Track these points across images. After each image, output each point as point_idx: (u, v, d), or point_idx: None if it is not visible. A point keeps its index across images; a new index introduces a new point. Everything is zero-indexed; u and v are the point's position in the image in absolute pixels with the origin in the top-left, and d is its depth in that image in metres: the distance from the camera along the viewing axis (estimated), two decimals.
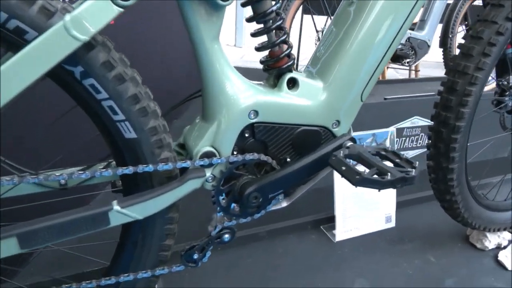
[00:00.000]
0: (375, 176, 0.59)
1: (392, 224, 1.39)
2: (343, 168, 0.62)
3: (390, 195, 1.37)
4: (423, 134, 1.71)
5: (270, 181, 0.71)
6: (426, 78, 3.09)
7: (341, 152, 0.66)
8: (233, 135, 0.70)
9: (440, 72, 3.48)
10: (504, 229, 1.26)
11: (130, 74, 0.62)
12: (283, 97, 0.72)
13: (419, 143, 1.71)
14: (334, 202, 1.30)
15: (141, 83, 0.64)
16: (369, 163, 0.63)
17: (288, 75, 0.72)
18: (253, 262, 1.21)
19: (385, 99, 2.07)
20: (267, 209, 0.78)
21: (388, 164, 0.65)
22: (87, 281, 0.70)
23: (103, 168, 0.75)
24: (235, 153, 0.72)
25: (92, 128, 0.66)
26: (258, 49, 0.72)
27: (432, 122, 1.01)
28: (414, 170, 0.61)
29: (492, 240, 1.28)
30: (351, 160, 0.65)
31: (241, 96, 0.69)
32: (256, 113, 0.70)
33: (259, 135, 0.72)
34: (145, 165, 0.64)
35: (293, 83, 0.74)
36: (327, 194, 1.50)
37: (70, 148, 0.80)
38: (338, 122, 0.77)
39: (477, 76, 0.90)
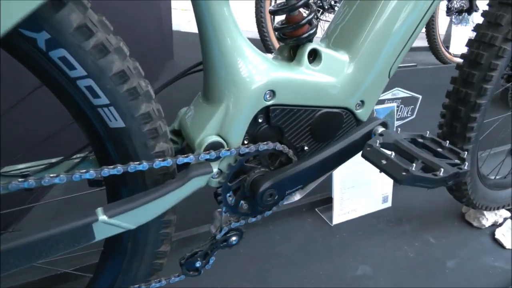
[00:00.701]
0: (426, 173, 0.49)
1: (389, 204, 1.33)
2: (384, 161, 0.51)
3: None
4: (403, 105, 1.68)
5: (289, 175, 0.59)
6: None
7: (377, 141, 0.55)
8: (245, 121, 0.57)
9: (420, 43, 3.43)
10: (503, 207, 1.23)
11: (115, 44, 0.46)
12: (304, 73, 0.59)
13: (399, 115, 1.68)
14: (332, 185, 1.21)
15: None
16: (411, 154, 0.53)
17: (309, 46, 0.59)
18: (249, 251, 1.12)
19: None
20: (279, 205, 0.66)
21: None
22: None
23: (79, 161, 0.60)
24: (245, 142, 0.59)
25: (64, 114, 0.51)
26: (274, 12, 0.58)
27: (446, 100, 0.92)
28: (465, 163, 0.51)
29: (489, 218, 1.26)
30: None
31: (256, 73, 0.55)
32: (273, 93, 0.57)
33: (275, 120, 0.59)
34: (138, 163, 0.50)
35: (314, 56, 0.61)
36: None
37: (34, 140, 0.64)
38: (362, 102, 0.65)
39: (505, 48, 0.81)
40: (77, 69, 0.44)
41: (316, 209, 1.30)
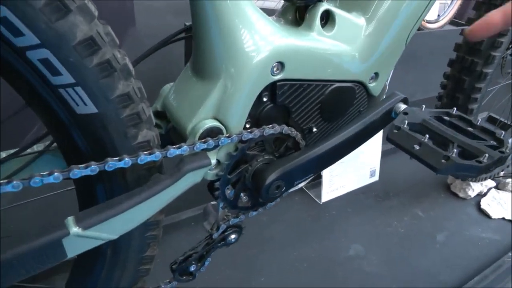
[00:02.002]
0: (466, 159, 0.41)
1: (376, 178, 1.29)
2: (417, 147, 0.43)
3: (376, 147, 1.25)
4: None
5: (300, 164, 0.50)
6: None
7: (405, 121, 0.46)
8: (248, 101, 0.46)
9: None
10: (490, 177, 1.22)
11: (78, 0, 0.34)
12: (316, 40, 0.49)
13: None
14: None
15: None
16: (444, 137, 0.45)
17: (322, 7, 0.48)
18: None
19: None
20: (283, 195, 0.58)
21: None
22: None
23: (38, 155, 0.48)
24: (248, 126, 0.49)
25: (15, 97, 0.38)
26: None
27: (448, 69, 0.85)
28: (507, 145, 0.44)
29: (475, 189, 1.25)
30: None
31: (261, 40, 0.44)
32: (282, 66, 0.46)
33: (282, 98, 0.49)
34: (117, 159, 0.39)
35: (326, 20, 0.50)
36: None
37: None
38: (376, 75, 0.57)
39: None
40: (25, 35, 0.32)
41: (303, 187, 1.24)
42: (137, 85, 0.41)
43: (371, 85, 0.57)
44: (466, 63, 0.80)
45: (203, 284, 0.89)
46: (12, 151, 0.47)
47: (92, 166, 0.37)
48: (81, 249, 0.39)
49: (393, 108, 0.53)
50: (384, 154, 1.38)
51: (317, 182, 1.20)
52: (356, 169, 1.22)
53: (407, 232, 1.11)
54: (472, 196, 1.25)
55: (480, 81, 0.80)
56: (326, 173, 1.14)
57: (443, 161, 0.41)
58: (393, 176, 1.33)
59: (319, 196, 1.17)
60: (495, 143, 0.45)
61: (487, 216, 1.19)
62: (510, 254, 1.03)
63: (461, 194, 1.26)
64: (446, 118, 0.51)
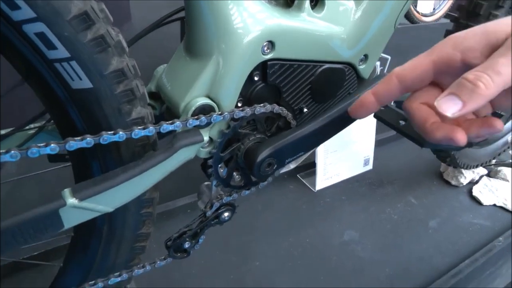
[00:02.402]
0: None
1: (370, 166, 1.31)
2: (402, 122, 0.45)
3: (369, 135, 1.27)
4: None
5: (291, 142, 0.51)
6: None
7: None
8: (240, 79, 0.48)
9: None
10: (481, 165, 1.24)
11: None
12: (306, 21, 0.50)
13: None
14: (316, 149, 1.15)
15: None
16: None
17: None
18: (231, 223, 1.05)
19: None
20: (276, 175, 0.59)
21: None
22: None
23: (35, 132, 0.49)
24: (239, 105, 0.50)
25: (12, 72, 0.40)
26: None
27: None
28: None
29: (467, 176, 1.27)
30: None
31: (252, 19, 0.45)
32: (272, 45, 0.48)
33: (273, 78, 0.50)
34: (112, 132, 0.40)
35: (316, 1, 0.51)
36: None
37: None
38: (366, 57, 0.58)
39: None
40: (21, 8, 0.33)
41: (298, 175, 1.25)
42: (131, 63, 0.42)
43: (361, 67, 0.58)
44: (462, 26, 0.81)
45: (199, 268, 0.91)
46: (9, 129, 0.48)
47: (88, 138, 0.38)
48: (77, 220, 0.41)
49: None
50: (378, 144, 1.40)
51: (311, 171, 1.22)
52: (350, 158, 1.24)
53: (401, 219, 1.12)
54: (464, 183, 1.27)
55: None
56: (320, 162, 1.16)
57: None
58: (387, 165, 1.35)
59: (314, 185, 1.19)
60: None
61: (479, 203, 1.21)
62: (500, 238, 1.05)
63: (453, 182, 1.28)
64: None
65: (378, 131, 1.45)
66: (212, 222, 0.56)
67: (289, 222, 1.07)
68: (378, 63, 0.62)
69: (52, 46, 0.35)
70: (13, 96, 0.45)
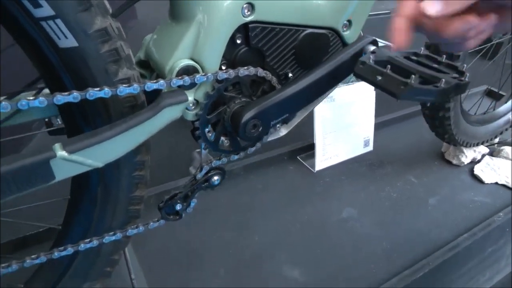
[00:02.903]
0: (426, 85, 0.44)
1: (370, 148, 1.32)
2: (379, 77, 0.46)
3: (369, 116, 1.27)
4: None
5: (274, 103, 0.53)
6: None
7: (370, 57, 0.49)
8: (222, 41, 0.50)
9: None
10: (482, 143, 1.24)
11: None
12: None
13: None
14: (314, 129, 1.17)
15: None
16: (407, 70, 0.48)
17: None
18: (230, 202, 1.08)
19: None
20: (264, 140, 0.61)
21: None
22: (32, 256, 0.50)
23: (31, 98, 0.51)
24: (223, 68, 0.52)
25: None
26: None
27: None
28: (466, 74, 0.47)
29: (468, 155, 1.26)
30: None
31: None
32: (252, 7, 0.50)
33: (255, 41, 0.52)
34: (98, 89, 0.43)
35: None
36: (298, 124, 1.37)
37: None
38: (349, 22, 0.59)
39: None
40: None
41: (298, 157, 1.27)
42: (115, 24, 0.44)
43: (345, 33, 0.60)
44: None
45: (198, 244, 0.94)
46: (3, 97, 0.51)
47: (74, 93, 0.41)
48: (68, 173, 0.43)
49: (363, 49, 0.55)
50: (379, 126, 1.41)
51: (311, 153, 1.23)
52: (349, 139, 1.24)
53: (400, 197, 1.13)
54: (466, 163, 1.26)
55: None
56: (318, 142, 1.17)
57: (401, 87, 0.44)
58: (388, 146, 1.36)
59: (314, 166, 1.20)
60: (457, 75, 0.48)
61: (480, 181, 1.21)
62: (500, 214, 1.05)
63: (454, 161, 1.28)
64: (414, 57, 0.53)
65: (379, 113, 1.46)
66: (203, 185, 0.58)
67: (288, 201, 1.09)
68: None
69: (37, 4, 0.38)
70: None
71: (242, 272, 0.87)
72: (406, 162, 1.28)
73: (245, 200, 1.09)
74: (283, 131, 0.64)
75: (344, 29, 0.59)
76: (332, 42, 0.59)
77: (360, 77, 0.48)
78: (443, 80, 0.44)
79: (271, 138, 0.63)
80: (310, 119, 1.16)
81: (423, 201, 1.12)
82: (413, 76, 0.44)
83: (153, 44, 0.52)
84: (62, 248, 0.51)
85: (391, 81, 0.44)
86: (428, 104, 0.97)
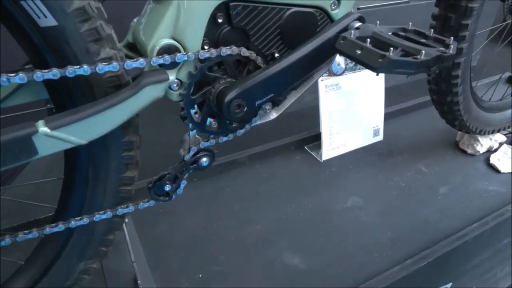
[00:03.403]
0: (405, 57, 0.43)
1: (380, 137, 1.29)
2: (359, 51, 0.45)
3: (378, 105, 1.25)
4: None
5: (257, 82, 0.53)
6: None
7: (352, 33, 0.48)
8: (201, 20, 0.50)
9: None
10: (498, 131, 1.19)
11: None
12: None
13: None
14: (320, 118, 1.16)
15: None
16: (390, 44, 0.47)
17: None
18: (235, 190, 1.08)
19: (358, 9, 1.87)
20: (253, 123, 0.61)
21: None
22: (25, 231, 0.53)
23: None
24: (206, 47, 0.53)
25: None
26: None
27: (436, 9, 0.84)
28: (451, 47, 0.45)
29: (484, 144, 1.21)
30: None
31: None
32: None
33: (237, 20, 0.52)
34: (78, 66, 0.44)
35: None
36: (309, 113, 1.36)
37: None
38: (338, 1, 0.58)
39: None
40: None
41: (305, 147, 1.26)
42: (94, 4, 0.45)
43: (334, 12, 0.59)
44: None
45: (200, 230, 0.95)
46: None
47: (54, 70, 0.42)
48: (52, 149, 0.45)
49: (348, 25, 0.54)
50: (391, 115, 1.38)
51: (319, 142, 1.22)
52: (358, 128, 1.22)
53: (409, 186, 1.10)
54: (481, 152, 1.22)
55: (466, 18, 0.79)
56: (325, 131, 1.16)
57: (379, 60, 0.43)
58: (399, 136, 1.32)
59: (321, 155, 1.19)
60: (443, 49, 0.46)
61: (496, 170, 1.16)
62: None
63: (469, 151, 1.23)
64: (402, 33, 0.52)
65: (391, 103, 1.43)
66: (191, 166, 0.59)
67: (292, 190, 1.09)
68: None
69: None
70: None
71: (241, 259, 0.87)
72: (417, 152, 1.25)
73: (250, 189, 1.09)
74: (273, 114, 0.64)
75: (333, 7, 0.58)
76: (320, 21, 0.58)
77: (341, 53, 0.47)
78: (423, 52, 0.42)
79: (261, 120, 0.63)
80: (317, 108, 1.16)
81: (433, 190, 1.09)
82: (391, 48, 0.43)
83: (137, 26, 0.53)
84: (54, 224, 0.53)
85: (370, 54, 0.44)
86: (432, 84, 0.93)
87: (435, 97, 0.99)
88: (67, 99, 0.49)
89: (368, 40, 0.45)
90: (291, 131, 1.32)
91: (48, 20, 0.42)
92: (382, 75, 1.22)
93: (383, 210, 1.01)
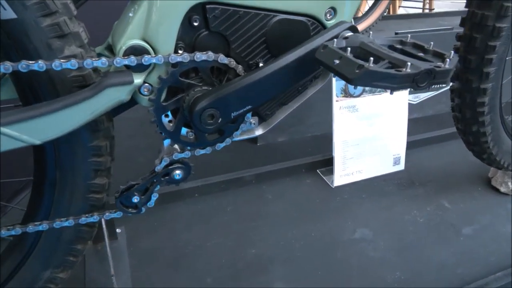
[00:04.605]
0: (386, 68, 0.37)
1: (401, 166, 1.19)
2: (336, 61, 0.40)
3: (400, 131, 1.15)
4: None
5: (232, 91, 0.49)
6: (442, 13, 2.77)
7: (334, 42, 0.43)
8: (174, 22, 0.47)
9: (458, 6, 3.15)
10: None
11: None
12: None
13: None
14: (333, 141, 1.09)
15: None
16: (376, 55, 0.41)
17: None
18: (236, 209, 1.03)
19: (396, 33, 1.80)
20: (234, 137, 0.56)
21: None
22: None
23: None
24: (180, 52, 0.49)
25: None
26: None
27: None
28: (447, 61, 0.38)
29: None
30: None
31: None
32: None
33: (215, 24, 0.49)
34: (32, 62, 0.42)
35: None
36: (325, 138, 1.28)
37: None
38: (334, 10, 0.53)
39: None
40: None
41: (317, 170, 1.19)
42: (60, 1, 0.43)
43: (329, 23, 0.54)
44: (476, 18, 0.71)
45: (192, 248, 0.90)
46: None
47: (6, 64, 0.41)
48: (3, 147, 0.43)
49: (338, 35, 0.49)
50: (415, 144, 1.28)
51: (332, 167, 1.15)
52: (376, 154, 1.14)
53: (427, 222, 0.99)
54: None
55: (493, 39, 0.70)
56: (338, 155, 1.09)
57: (357, 70, 0.37)
58: (423, 166, 1.22)
59: (332, 180, 1.12)
60: (439, 63, 0.40)
61: None
62: None
63: (502, 189, 1.10)
64: (399, 46, 0.46)
65: (417, 131, 1.33)
66: (162, 178, 0.55)
67: (297, 215, 1.01)
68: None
69: None
70: None
71: (229, 284, 0.81)
72: (442, 185, 1.13)
73: (252, 209, 1.03)
74: (259, 130, 0.59)
75: (328, 17, 0.53)
76: (313, 32, 0.53)
77: (319, 63, 0.42)
78: (408, 64, 0.36)
79: (245, 135, 0.58)
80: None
81: (455, 229, 0.97)
82: (371, 58, 0.37)
83: (114, 26, 0.51)
84: (11, 226, 0.51)
85: (347, 64, 0.38)
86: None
87: (460, 126, 0.89)
88: (31, 97, 0.48)
89: (349, 49, 0.40)
90: (304, 152, 1.26)
91: (7, 13, 0.41)
92: (405, 100, 1.14)
93: (395, 246, 0.91)
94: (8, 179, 0.58)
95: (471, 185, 1.14)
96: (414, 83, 0.37)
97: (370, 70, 0.36)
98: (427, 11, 3.19)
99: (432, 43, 0.43)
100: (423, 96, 1.59)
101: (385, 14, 2.35)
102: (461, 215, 1.01)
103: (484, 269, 0.85)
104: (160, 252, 0.89)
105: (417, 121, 1.53)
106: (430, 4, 3.15)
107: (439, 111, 1.62)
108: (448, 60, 0.38)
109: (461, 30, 0.75)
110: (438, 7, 3.23)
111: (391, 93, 0.39)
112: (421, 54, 0.43)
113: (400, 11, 3.12)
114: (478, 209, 1.04)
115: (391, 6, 2.71)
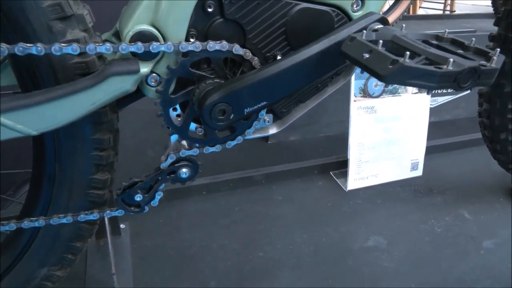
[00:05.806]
0: (425, 65, 0.32)
1: (419, 172, 1.13)
2: (366, 55, 0.35)
3: (419, 135, 1.10)
4: None
5: (245, 85, 0.44)
6: (464, 15, 2.69)
7: (363, 34, 0.38)
8: (186, 7, 0.43)
9: (481, 9, 3.04)
10: None
11: None
12: None
13: None
14: (348, 142, 1.04)
15: None
16: (411, 49, 0.36)
17: None
18: (244, 210, 0.99)
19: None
20: (247, 135, 0.52)
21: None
22: None
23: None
24: (192, 40, 0.45)
25: None
26: None
27: None
28: (493, 59, 0.34)
29: None
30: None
31: None
32: None
33: (231, 11, 0.44)
34: (30, 45, 0.38)
35: None
36: (339, 139, 1.23)
37: None
38: (362, 1, 0.48)
39: None
40: None
41: (331, 172, 1.14)
42: None
43: (356, 14, 0.49)
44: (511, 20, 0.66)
45: (197, 249, 0.86)
46: None
47: (2, 46, 0.37)
48: None
49: (367, 27, 0.44)
50: (435, 149, 1.22)
51: (346, 170, 1.10)
52: (393, 159, 1.08)
53: (445, 233, 0.94)
54: None
55: None
56: (352, 157, 1.04)
57: (390, 66, 0.32)
58: (442, 173, 1.16)
59: (346, 183, 1.07)
60: (483, 62, 0.35)
61: None
62: None
63: None
64: (434, 42, 0.41)
65: (431, 136, 1.27)
66: (168, 176, 0.51)
67: (308, 218, 0.97)
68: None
69: None
70: None
71: None
72: (462, 194, 1.07)
73: (261, 210, 0.99)
74: (273, 129, 0.54)
75: (355, 8, 0.49)
76: (338, 23, 0.49)
77: (345, 56, 0.37)
78: (451, 60, 0.31)
79: (257, 134, 0.54)
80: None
81: (474, 242, 0.92)
82: (407, 53, 0.32)
83: (123, 11, 0.47)
84: (5, 222, 0.47)
85: (379, 58, 0.33)
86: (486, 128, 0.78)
87: (487, 133, 0.84)
88: (30, 84, 0.44)
89: (381, 42, 0.35)
90: (317, 153, 1.21)
91: None
92: (427, 103, 1.08)
93: (410, 256, 0.86)
94: (7, 171, 0.55)
95: (492, 196, 1.08)
96: (456, 82, 0.32)
97: (406, 66, 0.31)
98: (447, 12, 3.11)
99: (473, 39, 0.38)
100: (442, 99, 1.53)
101: (405, 14, 2.28)
102: (481, 227, 0.96)
103: (506, 286, 0.79)
104: (164, 251, 0.86)
105: (434, 126, 1.46)
106: (452, 5, 3.06)
107: (456, 116, 1.56)
108: (494, 58, 0.34)
109: (485, 33, 0.69)
110: (458, 10, 3.14)
111: (428, 93, 0.35)
112: (460, 51, 0.38)
113: (420, 12, 3.04)
114: (500, 221, 0.98)
115: (411, 6, 2.63)
